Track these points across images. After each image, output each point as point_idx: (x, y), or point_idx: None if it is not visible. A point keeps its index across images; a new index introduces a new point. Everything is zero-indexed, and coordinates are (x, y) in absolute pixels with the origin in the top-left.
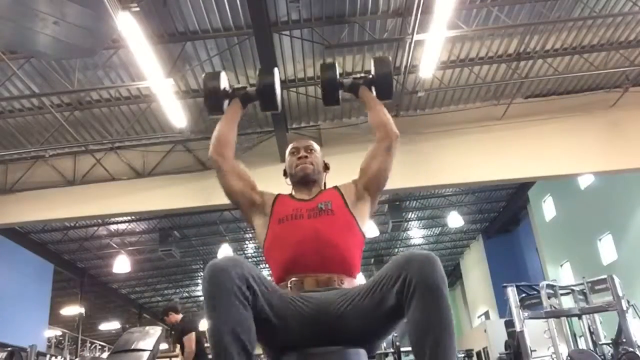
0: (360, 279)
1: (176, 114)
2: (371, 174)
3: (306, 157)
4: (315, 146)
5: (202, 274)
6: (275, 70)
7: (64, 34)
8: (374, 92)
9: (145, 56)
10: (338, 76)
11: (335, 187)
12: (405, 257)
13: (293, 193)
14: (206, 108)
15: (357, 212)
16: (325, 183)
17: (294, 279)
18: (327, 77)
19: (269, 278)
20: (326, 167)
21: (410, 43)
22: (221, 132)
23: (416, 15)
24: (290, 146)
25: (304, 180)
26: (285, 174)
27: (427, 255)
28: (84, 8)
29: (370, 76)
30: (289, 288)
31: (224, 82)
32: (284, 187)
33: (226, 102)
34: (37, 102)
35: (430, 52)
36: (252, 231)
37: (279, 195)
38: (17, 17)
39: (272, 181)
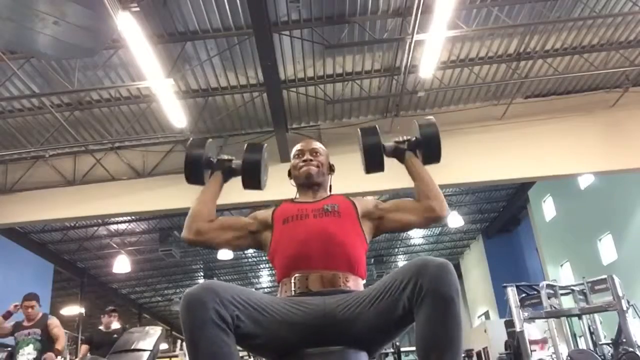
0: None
1: (176, 114)
2: (394, 221)
3: (311, 160)
4: (321, 149)
5: (202, 274)
6: (264, 147)
7: (64, 34)
8: (420, 156)
9: (145, 56)
10: (381, 140)
11: (346, 196)
12: (420, 263)
13: (296, 197)
14: (185, 175)
15: (363, 222)
16: (330, 186)
17: (297, 275)
18: (369, 142)
19: (258, 292)
20: (331, 169)
21: (410, 43)
22: (197, 211)
23: (416, 15)
24: (295, 148)
25: (307, 183)
26: (289, 174)
27: (443, 263)
28: (84, 8)
29: (414, 139)
30: (293, 284)
31: (210, 151)
32: (284, 186)
33: (207, 172)
34: (37, 102)
35: (430, 52)
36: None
37: (277, 205)
38: (17, 17)
39: (272, 181)
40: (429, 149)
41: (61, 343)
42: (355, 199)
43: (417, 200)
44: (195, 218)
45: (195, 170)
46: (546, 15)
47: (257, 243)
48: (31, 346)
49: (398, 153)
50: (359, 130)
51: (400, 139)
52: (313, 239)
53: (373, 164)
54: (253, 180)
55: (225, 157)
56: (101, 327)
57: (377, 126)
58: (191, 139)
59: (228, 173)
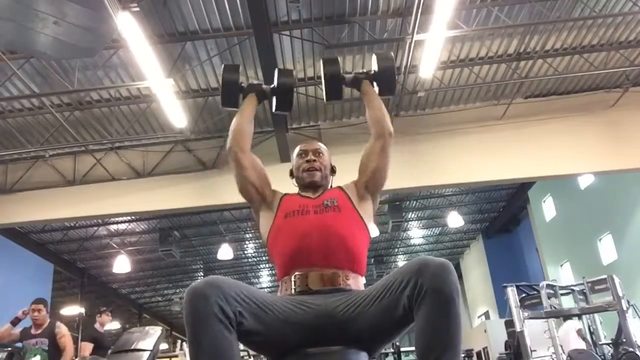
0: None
1: (176, 114)
2: (369, 173)
3: (314, 161)
4: (324, 149)
5: (202, 274)
6: (294, 71)
7: (64, 34)
8: (376, 88)
9: (145, 56)
10: (340, 70)
11: (339, 187)
12: (419, 262)
13: (299, 192)
14: (222, 100)
15: (361, 210)
16: (331, 186)
17: (297, 273)
18: (329, 71)
19: (260, 290)
20: (333, 171)
21: (410, 43)
22: (239, 124)
23: (416, 15)
24: (298, 148)
25: (310, 185)
26: (291, 174)
27: (443, 263)
28: (84, 8)
29: (373, 71)
30: (293, 282)
31: (241, 77)
32: (285, 186)
33: (241, 96)
34: (37, 102)
35: (430, 52)
36: (257, 230)
37: (286, 193)
38: (17, 17)
39: (272, 181)
40: (384, 81)
41: (68, 357)
42: (345, 186)
43: (370, 126)
44: (241, 132)
45: (231, 94)
46: (546, 15)
47: (257, 209)
48: (38, 357)
49: (356, 82)
50: (321, 60)
51: (360, 71)
52: (313, 234)
53: (332, 93)
54: (285, 101)
55: (256, 82)
56: (97, 326)
57: (338, 58)
58: (224, 65)
59: (261, 95)
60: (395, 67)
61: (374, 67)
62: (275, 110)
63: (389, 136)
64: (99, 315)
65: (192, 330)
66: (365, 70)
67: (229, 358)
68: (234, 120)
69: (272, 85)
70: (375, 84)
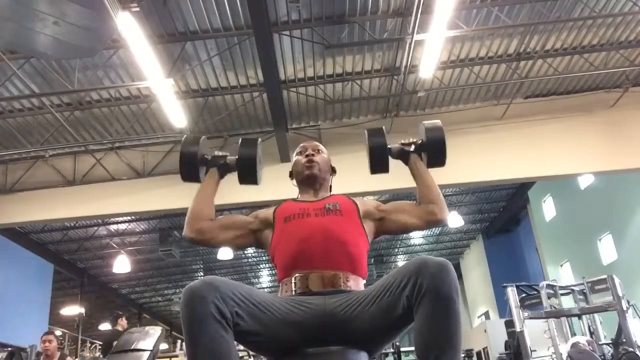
0: None
1: (176, 114)
2: (395, 222)
3: (313, 155)
4: (323, 149)
5: (202, 274)
6: (259, 142)
7: (64, 34)
8: (425, 159)
9: (145, 56)
10: (386, 142)
11: (347, 196)
12: (418, 262)
13: (298, 197)
14: (181, 174)
15: (364, 222)
16: (331, 186)
17: (298, 274)
18: (375, 143)
19: (259, 290)
20: (333, 171)
21: (410, 43)
22: (197, 210)
23: (416, 15)
24: (297, 148)
25: (309, 180)
26: (291, 175)
27: (442, 262)
28: (84, 8)
29: (421, 141)
30: (293, 284)
31: (204, 149)
32: (284, 186)
33: (203, 169)
34: (37, 102)
35: (430, 52)
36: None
37: (278, 205)
38: (17, 17)
39: (272, 181)
40: (434, 152)
41: None
42: (356, 199)
43: (418, 203)
44: (195, 216)
45: (190, 168)
46: (546, 15)
47: (258, 242)
48: None
49: (403, 155)
50: (365, 131)
51: (406, 141)
52: (314, 236)
53: (378, 165)
54: (249, 175)
55: (220, 153)
56: (118, 328)
57: (383, 128)
58: (185, 136)
59: (224, 169)
60: (445, 137)
61: (422, 136)
62: (240, 183)
63: (442, 221)
64: (120, 319)
65: (189, 330)
66: (412, 140)
67: (226, 358)
68: (193, 205)
69: (237, 157)
70: (423, 154)
